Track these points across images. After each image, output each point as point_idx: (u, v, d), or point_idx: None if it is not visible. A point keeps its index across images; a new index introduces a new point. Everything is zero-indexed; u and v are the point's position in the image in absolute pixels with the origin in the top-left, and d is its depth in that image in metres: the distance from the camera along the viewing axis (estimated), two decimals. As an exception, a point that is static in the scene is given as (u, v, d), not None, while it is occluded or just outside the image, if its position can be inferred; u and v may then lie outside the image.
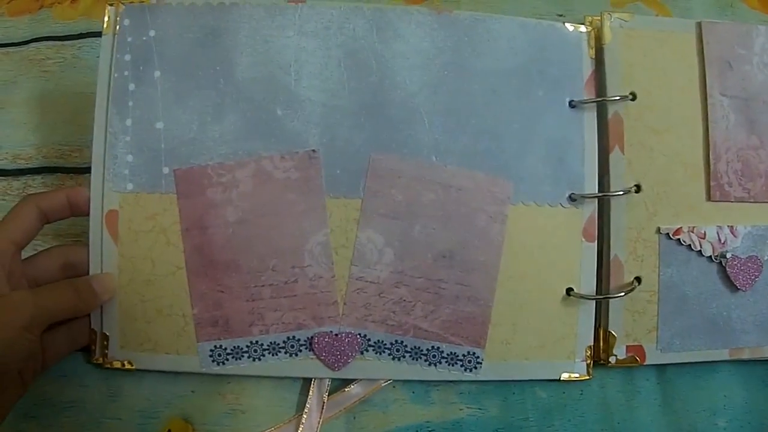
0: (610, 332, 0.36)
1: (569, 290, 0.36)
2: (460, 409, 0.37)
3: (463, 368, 0.35)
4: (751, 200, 0.38)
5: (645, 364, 0.37)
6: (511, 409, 0.37)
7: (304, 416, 0.35)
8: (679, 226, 0.37)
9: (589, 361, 0.37)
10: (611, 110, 0.37)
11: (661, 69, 0.38)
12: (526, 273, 0.36)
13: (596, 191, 0.37)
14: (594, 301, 0.36)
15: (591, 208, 0.37)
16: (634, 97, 0.37)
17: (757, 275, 0.38)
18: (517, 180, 0.36)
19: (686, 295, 0.37)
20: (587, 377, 0.36)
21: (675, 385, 0.39)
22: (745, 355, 0.38)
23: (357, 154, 0.35)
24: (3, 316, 0.30)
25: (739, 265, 0.37)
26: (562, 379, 0.36)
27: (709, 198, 0.37)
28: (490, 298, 0.35)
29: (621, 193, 0.36)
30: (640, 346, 0.37)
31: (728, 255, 0.37)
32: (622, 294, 0.36)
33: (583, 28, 0.38)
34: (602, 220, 0.37)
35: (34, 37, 0.44)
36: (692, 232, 0.37)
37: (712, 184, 0.37)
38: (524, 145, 0.36)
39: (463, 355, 0.35)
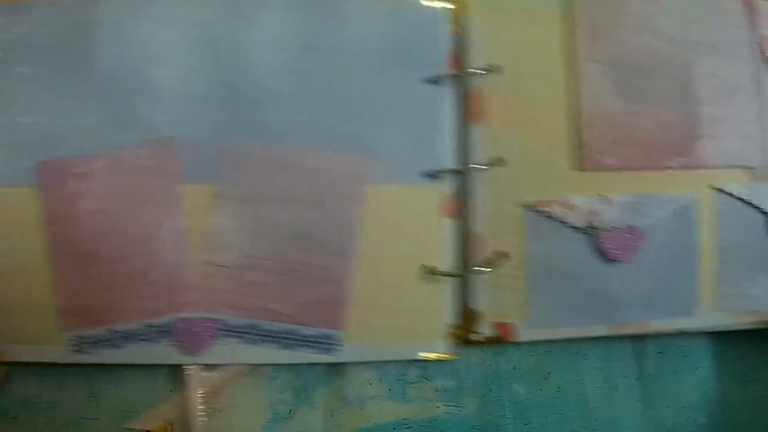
0: (475, 310, 0.35)
1: (430, 268, 0.35)
2: (437, 407, 0.37)
3: (320, 350, 0.35)
4: (627, 168, 0.36)
5: (514, 341, 0.36)
6: (488, 407, 0.37)
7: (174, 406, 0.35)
8: (545, 199, 0.36)
9: (454, 340, 0.36)
10: (473, 84, 0.36)
11: (526, 40, 0.36)
12: (385, 253, 0.35)
13: (456, 167, 0.36)
14: (457, 279, 0.36)
15: (451, 184, 0.36)
16: (496, 70, 0.36)
17: (637, 246, 0.36)
18: (374, 159, 0.35)
19: (558, 269, 0.36)
20: (450, 356, 0.36)
21: (654, 382, 0.38)
22: (628, 331, 0.36)
23: (213, 140, 0.35)
24: None
25: (616, 236, 0.36)
26: (424, 358, 0.35)
27: (581, 168, 0.36)
28: (347, 279, 0.35)
29: (481, 167, 0.35)
30: (509, 323, 0.36)
31: (603, 226, 0.36)
32: (484, 270, 0.35)
33: (444, 3, 0.37)
34: (467, 196, 0.36)
35: None
36: (561, 203, 0.36)
37: (583, 153, 0.36)
38: (382, 124, 0.36)
39: (320, 337, 0.35)
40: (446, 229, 0.36)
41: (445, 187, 0.36)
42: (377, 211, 0.35)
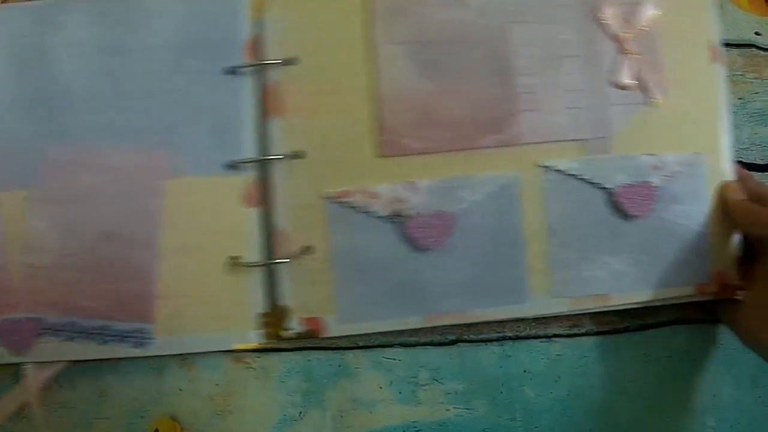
0: (281, 305, 0.35)
1: (234, 259, 0.35)
2: (448, 410, 0.37)
3: (134, 344, 0.36)
4: (433, 151, 0.34)
5: (326, 336, 0.35)
6: (498, 409, 0.37)
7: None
8: (347, 189, 0.35)
9: (269, 329, 0.35)
10: (272, 75, 0.35)
11: (325, 29, 0.35)
12: (190, 245, 0.35)
13: (254, 157, 0.35)
14: (265, 273, 0.35)
15: (252, 174, 0.35)
16: (293, 61, 0.35)
17: (448, 232, 0.34)
18: (173, 153, 0.36)
19: (365, 261, 0.35)
20: (259, 345, 0.36)
21: (663, 386, 0.37)
22: (445, 321, 0.35)
23: (25, 146, 0.36)
24: None
25: (423, 223, 0.34)
26: (235, 348, 0.36)
27: (383, 154, 0.35)
28: (154, 273, 0.35)
29: (280, 157, 0.35)
30: (319, 318, 0.35)
31: (411, 213, 0.34)
32: (285, 261, 0.34)
33: (242, -7, 0.36)
34: (268, 189, 0.36)
35: None
36: (363, 193, 0.34)
37: (385, 139, 0.34)
38: (182, 117, 0.36)
39: (133, 332, 0.36)
40: (250, 219, 0.35)
41: (247, 178, 0.35)
42: (180, 204, 0.36)
